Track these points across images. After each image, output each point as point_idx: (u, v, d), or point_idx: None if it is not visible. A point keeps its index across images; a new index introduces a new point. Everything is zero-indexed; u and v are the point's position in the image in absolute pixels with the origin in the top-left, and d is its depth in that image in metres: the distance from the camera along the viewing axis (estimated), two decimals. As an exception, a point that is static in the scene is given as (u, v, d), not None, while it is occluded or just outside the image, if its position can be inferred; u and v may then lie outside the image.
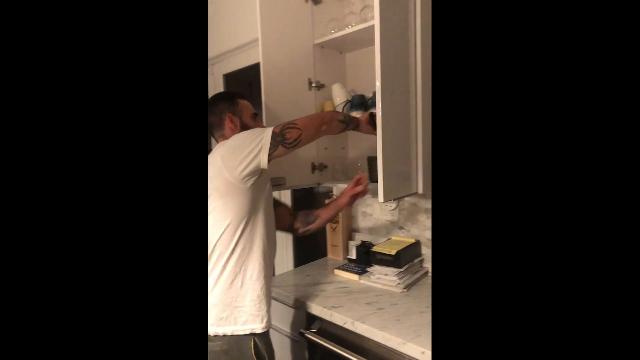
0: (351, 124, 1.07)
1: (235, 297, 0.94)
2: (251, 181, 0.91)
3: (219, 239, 0.92)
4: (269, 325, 0.99)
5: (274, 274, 1.33)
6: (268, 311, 0.99)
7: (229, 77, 2.07)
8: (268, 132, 0.90)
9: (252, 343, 0.94)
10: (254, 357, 0.93)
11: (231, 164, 0.88)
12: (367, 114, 1.15)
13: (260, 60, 1.20)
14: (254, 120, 1.07)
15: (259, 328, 0.95)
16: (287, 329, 1.28)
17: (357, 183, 1.19)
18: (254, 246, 0.96)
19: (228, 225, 0.91)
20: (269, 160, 0.89)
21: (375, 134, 0.90)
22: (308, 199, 2.00)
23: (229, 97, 1.06)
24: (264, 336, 0.99)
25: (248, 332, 0.94)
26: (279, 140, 0.89)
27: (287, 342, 1.28)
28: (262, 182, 0.95)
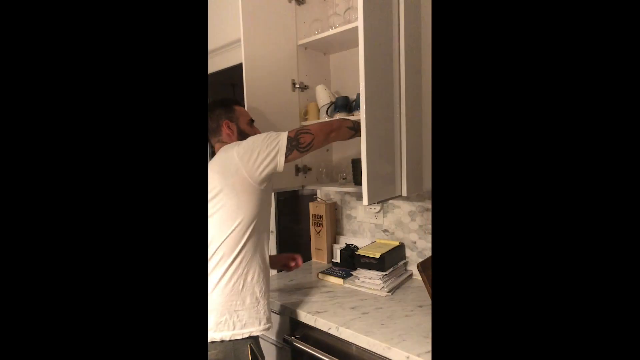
0: (360, 130, 1.07)
1: (235, 300, 0.93)
2: (265, 183, 0.94)
3: (225, 239, 0.91)
4: (268, 326, 0.98)
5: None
6: (266, 313, 0.98)
7: (211, 78, 2.03)
8: (284, 136, 0.93)
9: (249, 349, 0.93)
10: None
11: (250, 164, 0.91)
12: None
13: (243, 61, 1.18)
14: (250, 126, 1.11)
15: (257, 330, 0.95)
16: (271, 335, 1.25)
17: (293, 258, 1.27)
18: (258, 248, 0.97)
19: (239, 224, 0.92)
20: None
21: None
22: (292, 202, 1.98)
23: (225, 103, 1.10)
24: (258, 341, 0.98)
25: (247, 335, 0.93)
26: (294, 145, 0.93)
27: (271, 349, 1.26)
28: (270, 185, 0.99)
